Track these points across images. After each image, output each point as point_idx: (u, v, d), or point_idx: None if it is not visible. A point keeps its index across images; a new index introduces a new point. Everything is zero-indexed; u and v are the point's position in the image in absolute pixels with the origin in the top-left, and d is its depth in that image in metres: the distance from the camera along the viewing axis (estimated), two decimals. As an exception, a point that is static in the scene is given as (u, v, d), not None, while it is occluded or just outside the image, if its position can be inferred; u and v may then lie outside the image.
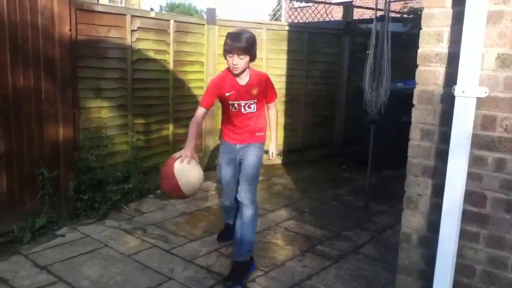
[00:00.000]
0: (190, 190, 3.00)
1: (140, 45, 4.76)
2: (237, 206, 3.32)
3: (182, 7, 29.77)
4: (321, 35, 6.57)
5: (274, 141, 3.40)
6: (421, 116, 2.15)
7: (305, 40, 6.36)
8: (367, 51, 4.40)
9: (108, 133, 4.45)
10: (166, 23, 5.07)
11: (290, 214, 4.43)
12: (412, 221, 2.19)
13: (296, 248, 3.66)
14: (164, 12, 20.81)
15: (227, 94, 3.11)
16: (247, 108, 3.17)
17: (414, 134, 2.17)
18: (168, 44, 5.11)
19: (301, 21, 8.87)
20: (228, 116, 3.26)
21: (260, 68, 5.98)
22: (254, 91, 3.14)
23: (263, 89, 3.17)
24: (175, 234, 3.84)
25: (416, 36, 2.15)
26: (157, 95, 5.09)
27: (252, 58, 3.05)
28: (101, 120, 4.41)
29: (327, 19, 9.02)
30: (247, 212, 3.10)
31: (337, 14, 8.07)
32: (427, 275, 2.14)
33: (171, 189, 2.99)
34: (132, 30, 4.63)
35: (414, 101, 2.17)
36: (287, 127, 6.40)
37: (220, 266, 3.30)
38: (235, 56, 2.95)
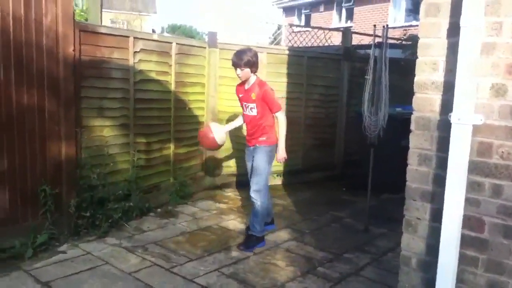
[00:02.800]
0: (221, 140, 4.17)
1: (143, 66, 4.85)
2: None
3: (183, 28, 30.22)
4: (320, 59, 6.71)
5: (280, 146, 4.03)
6: (418, 142, 2.22)
7: (304, 64, 6.49)
8: (365, 76, 4.51)
9: (109, 152, 4.51)
10: (168, 45, 5.19)
11: (290, 235, 4.45)
12: (412, 244, 2.23)
13: (297, 269, 3.68)
14: (165, 33, 21.09)
15: (239, 95, 4.11)
16: (250, 110, 4.01)
17: (412, 159, 2.24)
18: (170, 66, 5.21)
19: (300, 45, 9.05)
20: (244, 121, 4.17)
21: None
22: (253, 96, 3.95)
23: (261, 97, 3.91)
24: (176, 253, 3.86)
25: (415, 62, 2.23)
26: (159, 115, 5.16)
27: (252, 69, 3.92)
28: (103, 138, 4.47)
29: (326, 43, 9.22)
30: (254, 204, 3.98)
31: (336, 39, 8.24)
32: (426, 297, 2.17)
33: (209, 142, 4.19)
34: (135, 52, 4.73)
35: (412, 127, 2.24)
36: (287, 149, 6.42)
37: (221, 285, 3.32)
38: (238, 68, 3.90)
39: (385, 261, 3.92)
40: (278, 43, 12.11)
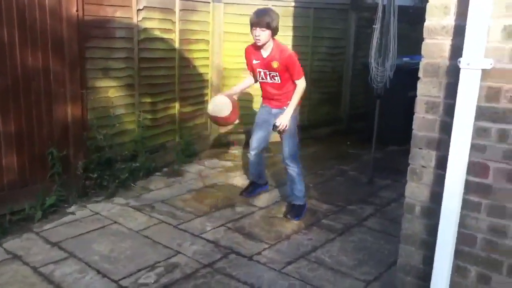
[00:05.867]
0: (221, 111, 3.70)
1: (146, 24, 4.74)
2: (256, 161, 4.08)
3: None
4: (327, 10, 6.49)
5: (287, 111, 3.64)
6: (426, 89, 2.15)
7: (311, 16, 6.30)
8: (373, 26, 4.37)
9: (115, 113, 4.48)
10: (172, 1, 5.03)
11: (295, 189, 4.47)
12: (416, 192, 2.21)
13: (302, 222, 3.71)
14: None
15: (254, 62, 3.72)
16: (271, 78, 3.67)
17: (419, 107, 2.18)
18: (174, 23, 5.08)
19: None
20: (261, 85, 3.83)
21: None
22: (275, 65, 3.58)
23: (284, 65, 3.55)
24: (183, 210, 3.90)
25: (424, 10, 2.14)
26: (164, 74, 5.09)
27: (273, 32, 3.55)
28: (109, 99, 4.43)
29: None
30: (291, 171, 3.74)
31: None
32: (429, 244, 2.17)
33: (224, 121, 3.85)
34: (138, 10, 4.61)
35: (420, 74, 2.16)
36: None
37: (228, 240, 3.37)
38: (258, 29, 3.50)
39: (388, 211, 3.95)
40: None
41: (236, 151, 5.79)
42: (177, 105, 5.29)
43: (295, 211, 3.79)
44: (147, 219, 3.70)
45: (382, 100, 4.53)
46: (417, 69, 2.18)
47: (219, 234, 3.46)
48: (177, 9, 5.08)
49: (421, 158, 2.17)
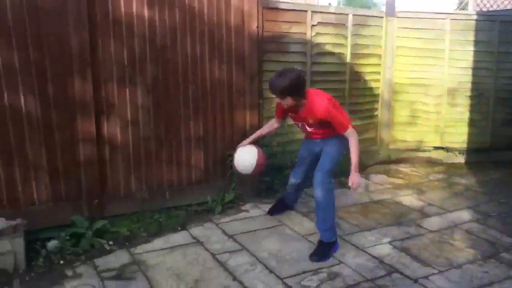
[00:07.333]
0: (245, 169, 3.63)
1: (319, 39, 4.97)
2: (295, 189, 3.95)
3: (359, 0, 29.39)
4: (515, 23, 5.85)
5: (353, 170, 3.26)
6: None
7: (496, 30, 5.75)
8: None
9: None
10: (345, 17, 5.17)
11: (472, 216, 4.12)
12: None
13: (478, 252, 3.41)
14: (341, 6, 20.90)
15: (290, 114, 3.52)
16: (310, 128, 3.46)
17: None
18: (346, 38, 5.20)
19: (491, 8, 8.00)
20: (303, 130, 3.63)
21: (441, 60, 5.69)
22: (310, 120, 3.36)
23: (321, 119, 3.26)
24: (347, 222, 3.94)
25: None
26: (334, 87, 5.21)
27: (297, 96, 3.23)
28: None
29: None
30: (316, 194, 3.38)
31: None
32: None
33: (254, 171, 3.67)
34: (312, 25, 4.87)
35: None
36: (473, 124, 5.90)
37: (391, 259, 3.29)
38: (278, 97, 3.28)
39: None
40: (464, 8, 10.92)
41: (406, 169, 5.59)
42: (346, 118, 5.35)
43: (321, 249, 3.33)
44: (312, 226, 3.81)
45: None
46: None
47: (384, 251, 3.40)
48: (349, 24, 5.18)
49: None
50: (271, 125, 3.80)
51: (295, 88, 3.20)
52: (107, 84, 3.63)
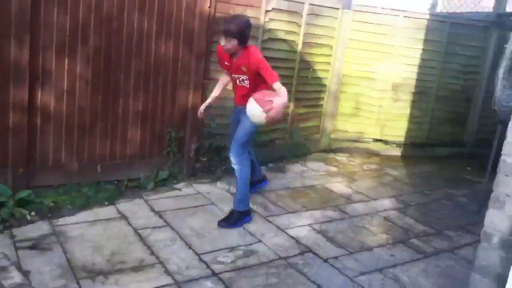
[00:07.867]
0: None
1: (272, 25, 5.01)
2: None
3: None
4: (464, 26, 6.09)
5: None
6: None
7: (446, 31, 5.98)
8: (505, 45, 4.02)
9: (231, 105, 4.82)
10: (300, 5, 5.23)
11: (393, 205, 4.34)
12: (496, 221, 2.07)
13: (389, 237, 3.62)
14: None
15: (226, 64, 3.64)
16: (241, 82, 3.58)
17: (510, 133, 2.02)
18: (299, 26, 5.27)
19: (458, 10, 8.24)
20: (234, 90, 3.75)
21: (389, 55, 5.85)
22: (243, 69, 3.49)
23: (253, 69, 3.42)
24: (275, 204, 4.07)
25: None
26: (283, 74, 5.27)
27: (241, 41, 3.40)
28: (227, 91, 4.77)
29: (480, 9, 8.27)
30: (235, 168, 3.61)
31: (487, 3, 7.35)
32: (503, 279, 2.00)
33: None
34: (267, 11, 4.90)
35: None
36: (412, 120, 6.14)
37: (308, 240, 3.44)
38: (224, 38, 3.40)
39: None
40: (433, 7, 11.17)
41: (344, 158, 5.78)
42: (291, 105, 5.47)
43: (230, 217, 3.60)
44: (240, 207, 3.94)
45: (505, 126, 4.13)
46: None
47: (302, 233, 3.55)
48: (304, 13, 5.25)
49: (507, 186, 2.02)
50: (222, 80, 3.91)
51: (244, 31, 3.40)
52: (46, 51, 3.58)
